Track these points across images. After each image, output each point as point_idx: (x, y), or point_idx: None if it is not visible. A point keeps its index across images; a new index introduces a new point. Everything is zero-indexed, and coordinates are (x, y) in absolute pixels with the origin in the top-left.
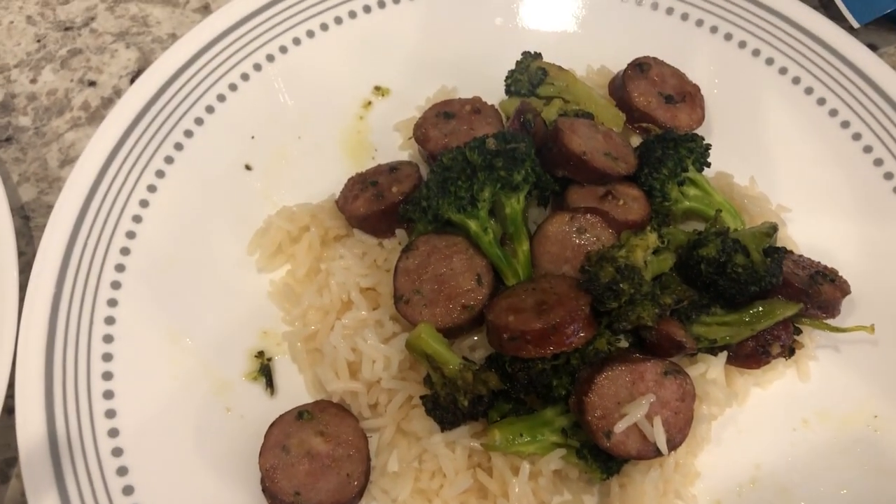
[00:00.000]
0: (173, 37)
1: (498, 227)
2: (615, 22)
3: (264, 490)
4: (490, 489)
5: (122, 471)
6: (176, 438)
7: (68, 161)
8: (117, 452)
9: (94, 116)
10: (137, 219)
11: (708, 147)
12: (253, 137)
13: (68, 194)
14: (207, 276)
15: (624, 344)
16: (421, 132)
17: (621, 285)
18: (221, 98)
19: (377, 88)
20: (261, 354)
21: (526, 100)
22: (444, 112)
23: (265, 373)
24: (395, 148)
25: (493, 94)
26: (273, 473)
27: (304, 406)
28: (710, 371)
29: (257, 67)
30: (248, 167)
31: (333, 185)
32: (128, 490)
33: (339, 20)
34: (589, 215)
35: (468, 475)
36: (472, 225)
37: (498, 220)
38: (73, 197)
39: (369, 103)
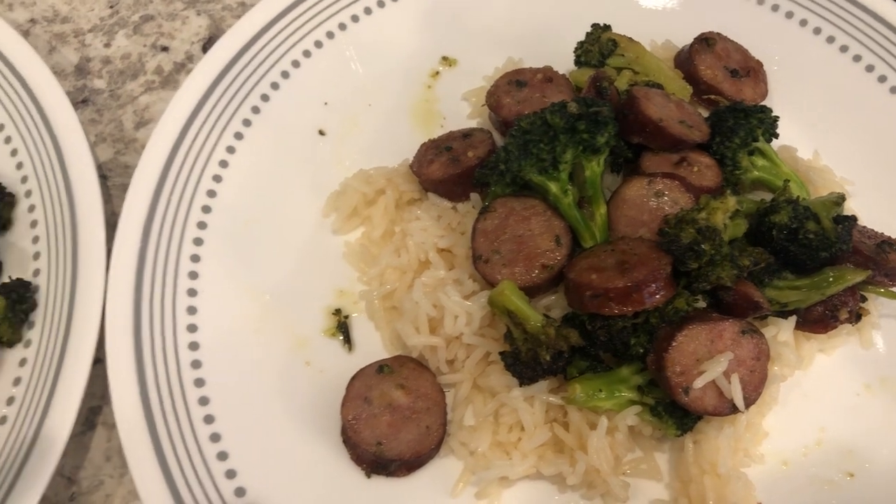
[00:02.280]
0: (242, 5)
1: (575, 190)
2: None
3: (345, 440)
4: (566, 443)
5: (208, 419)
6: (259, 390)
7: (143, 123)
8: (204, 401)
9: (168, 80)
10: (217, 178)
11: (776, 119)
12: (326, 104)
13: (150, 154)
14: (284, 236)
15: (702, 304)
16: (494, 99)
17: (702, 246)
18: (296, 64)
19: (445, 59)
20: (338, 312)
21: (600, 69)
22: (515, 80)
23: (342, 329)
24: (463, 116)
25: (558, 65)
26: (356, 424)
27: (384, 360)
28: (781, 333)
29: (330, 35)
30: (321, 132)
31: (403, 152)
32: (215, 437)
33: None
34: (667, 179)
35: (546, 429)
36: (553, 187)
37: (575, 184)
38: (155, 156)
39: (437, 73)
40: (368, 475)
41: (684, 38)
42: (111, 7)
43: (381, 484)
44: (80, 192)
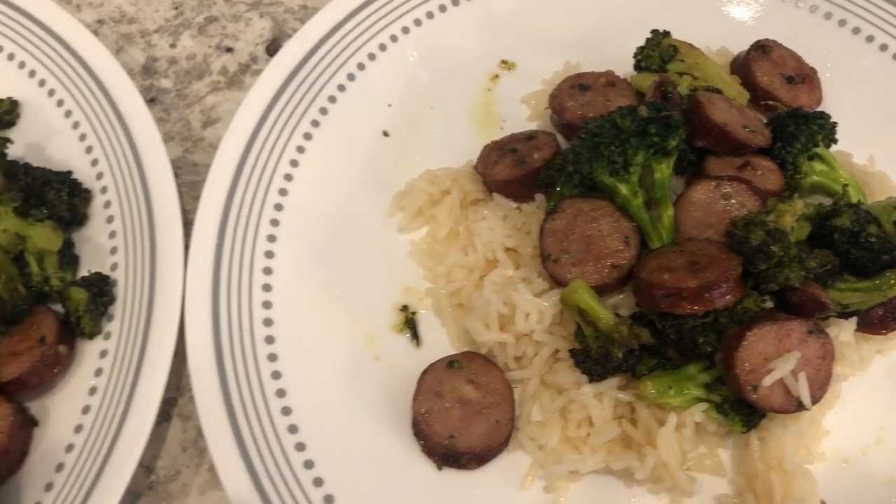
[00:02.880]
0: (304, 7)
1: (643, 192)
2: (730, 6)
3: (417, 433)
4: (634, 438)
5: (286, 411)
6: (332, 384)
7: (210, 122)
8: (281, 394)
9: (233, 81)
10: (288, 177)
11: (835, 124)
12: (390, 105)
13: (224, 153)
14: (351, 233)
15: (769, 304)
16: (557, 102)
17: (772, 248)
18: (361, 67)
19: (504, 62)
20: (405, 308)
21: (663, 74)
22: (578, 84)
23: (410, 325)
24: (522, 119)
25: (614, 69)
26: (428, 417)
27: (454, 356)
28: (843, 334)
29: (394, 39)
30: (385, 133)
31: (464, 153)
32: (293, 429)
33: None
34: (735, 183)
35: (614, 425)
36: (623, 188)
37: (643, 186)
38: (229, 155)
39: (496, 76)
40: (440, 467)
41: (739, 45)
42: (176, 8)
43: (452, 476)
44: (155, 188)
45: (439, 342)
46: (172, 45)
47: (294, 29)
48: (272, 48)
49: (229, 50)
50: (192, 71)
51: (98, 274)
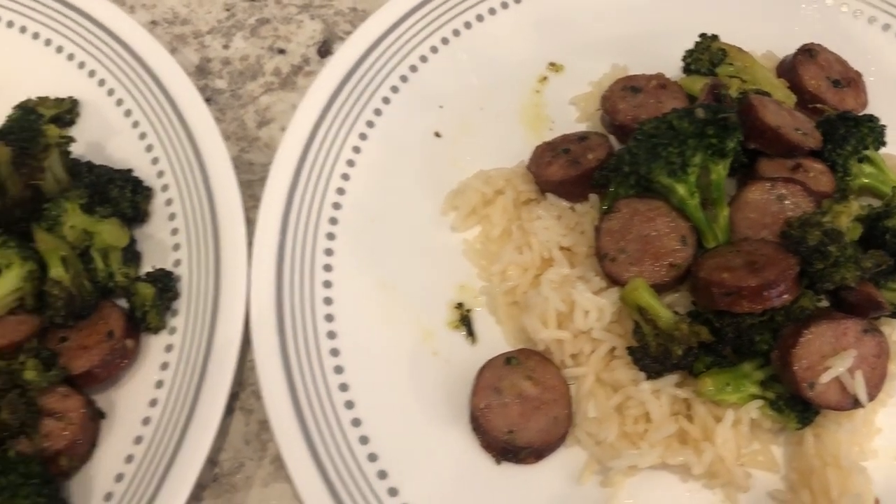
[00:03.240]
0: (354, 10)
1: (698, 193)
2: (772, 10)
3: (476, 428)
4: (691, 434)
5: (349, 405)
6: (393, 379)
7: (265, 122)
8: (344, 388)
9: (286, 82)
10: (345, 177)
11: (884, 127)
12: (441, 107)
13: (284, 153)
14: (406, 232)
15: (825, 303)
16: (610, 104)
17: (829, 248)
18: (413, 69)
19: (552, 64)
20: (460, 306)
21: (715, 77)
22: (630, 86)
23: (465, 322)
24: (571, 121)
25: (662, 72)
26: (488, 412)
27: (511, 353)
28: (895, 333)
29: (444, 41)
30: (437, 134)
31: (515, 154)
32: (356, 422)
33: None
34: (789, 184)
35: (672, 421)
36: (681, 189)
37: (698, 186)
38: (289, 155)
39: (545, 78)
40: (498, 462)
41: (782, 50)
42: (227, 10)
43: (510, 470)
44: (217, 185)
45: (494, 339)
46: (225, 47)
47: (344, 31)
48: (323, 50)
49: (281, 51)
50: (245, 72)
51: (162, 270)
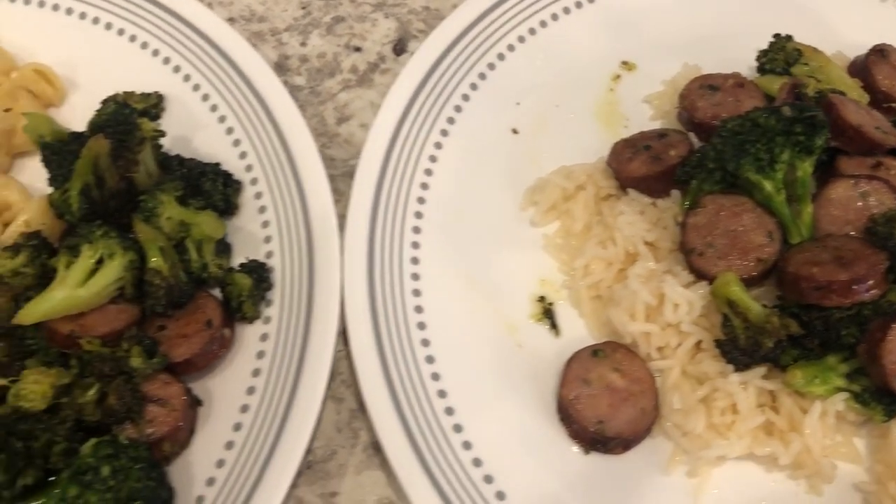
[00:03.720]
0: (427, 9)
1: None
2: (841, 11)
3: (564, 418)
4: (777, 425)
5: (441, 394)
6: (481, 371)
7: (344, 119)
8: (436, 377)
9: (363, 79)
10: (429, 172)
11: None
12: (518, 104)
13: (371, 149)
14: (488, 226)
15: None
16: (688, 102)
17: None
18: (491, 66)
19: (624, 63)
20: (542, 299)
21: (794, 76)
22: (707, 85)
23: (548, 315)
24: (645, 118)
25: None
26: (577, 403)
27: (597, 345)
28: None
29: (521, 40)
30: (514, 131)
31: (591, 150)
32: (449, 411)
33: None
34: (873, 181)
35: (759, 412)
36: (768, 185)
37: (783, 183)
38: (375, 151)
39: (618, 76)
40: (587, 451)
41: (851, 50)
42: (303, 8)
43: (598, 460)
44: (307, 179)
45: (576, 332)
46: (303, 44)
47: (418, 29)
48: (398, 48)
49: (357, 49)
50: (323, 69)
51: (256, 261)
